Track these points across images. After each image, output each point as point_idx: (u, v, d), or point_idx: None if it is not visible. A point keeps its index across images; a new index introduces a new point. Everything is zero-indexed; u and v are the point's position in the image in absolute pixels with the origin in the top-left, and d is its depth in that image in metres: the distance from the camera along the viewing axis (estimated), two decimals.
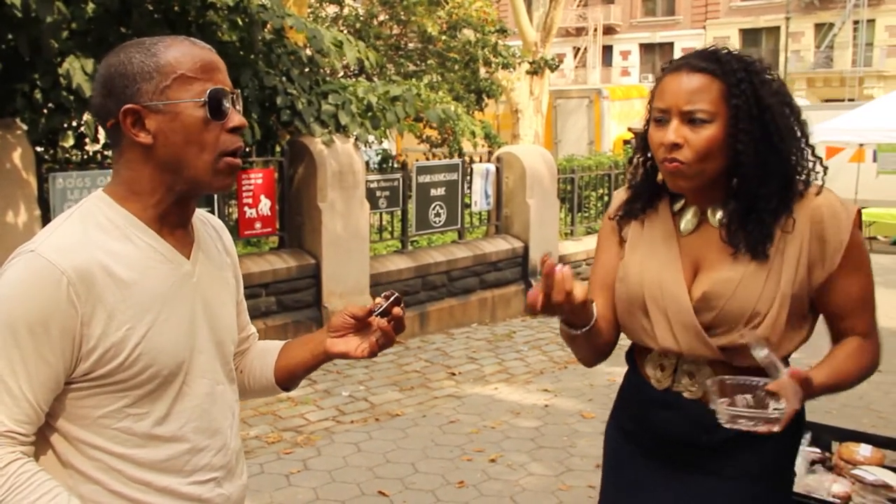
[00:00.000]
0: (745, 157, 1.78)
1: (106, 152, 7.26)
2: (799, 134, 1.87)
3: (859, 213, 1.93)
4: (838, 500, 2.42)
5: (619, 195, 2.08)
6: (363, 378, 6.50)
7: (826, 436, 2.85)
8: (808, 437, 2.74)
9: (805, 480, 2.52)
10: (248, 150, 7.09)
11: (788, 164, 1.83)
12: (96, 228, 1.42)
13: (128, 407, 1.42)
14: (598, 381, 6.28)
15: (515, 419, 5.61)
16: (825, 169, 1.88)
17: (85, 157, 7.10)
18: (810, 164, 1.87)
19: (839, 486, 2.53)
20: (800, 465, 2.59)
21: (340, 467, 4.80)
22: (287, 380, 1.75)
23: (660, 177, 1.95)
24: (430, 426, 5.48)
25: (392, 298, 1.62)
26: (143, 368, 1.41)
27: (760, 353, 1.68)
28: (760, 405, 1.68)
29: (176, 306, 1.47)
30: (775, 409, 1.65)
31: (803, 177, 1.85)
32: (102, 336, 1.37)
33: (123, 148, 1.45)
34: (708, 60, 1.82)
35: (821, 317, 1.92)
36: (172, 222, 1.50)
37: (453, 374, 6.59)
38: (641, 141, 1.98)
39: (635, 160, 2.03)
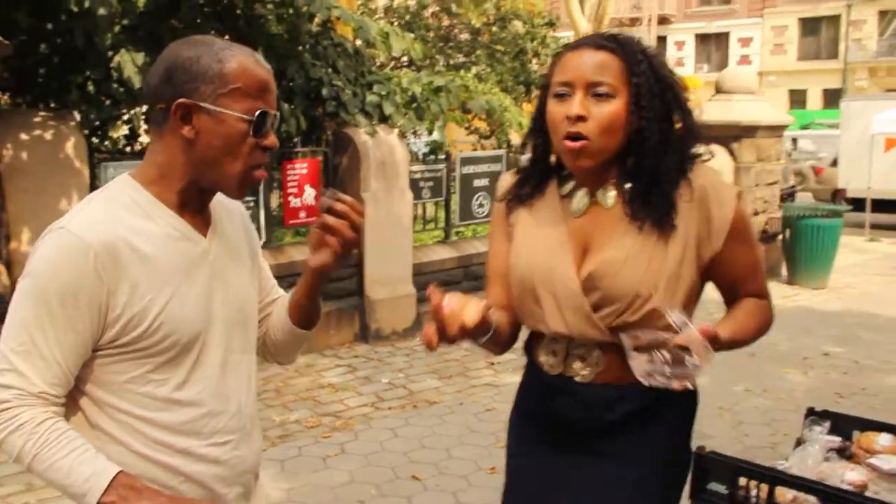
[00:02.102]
0: (649, 132, 1.81)
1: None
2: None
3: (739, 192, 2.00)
4: (851, 487, 2.43)
5: (507, 179, 2.08)
6: (403, 366, 6.59)
7: (847, 425, 2.85)
8: (826, 425, 2.75)
9: (819, 468, 2.54)
10: (293, 140, 7.22)
11: (685, 141, 1.88)
12: (121, 208, 1.53)
13: (150, 373, 1.54)
14: None
15: None
16: (710, 151, 1.96)
17: (136, 147, 7.29)
18: (696, 144, 1.93)
19: (855, 475, 2.53)
20: (816, 452, 2.61)
21: (377, 451, 4.90)
22: (298, 316, 1.80)
23: (553, 158, 1.97)
24: (466, 413, 5.55)
25: (327, 193, 1.63)
26: (163, 337, 1.52)
27: (675, 318, 1.71)
28: (675, 362, 1.71)
29: (193, 280, 1.57)
30: (690, 362, 1.69)
31: (693, 154, 1.91)
32: (126, 306, 1.49)
33: (165, 132, 1.55)
34: (608, 40, 1.85)
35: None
36: (192, 206, 1.61)
37: (492, 364, 6.65)
38: (535, 122, 1.97)
39: (528, 143, 2.02)
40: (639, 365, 1.73)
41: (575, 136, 1.81)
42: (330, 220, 1.61)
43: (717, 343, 1.73)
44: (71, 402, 1.54)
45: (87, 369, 1.53)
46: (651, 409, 1.93)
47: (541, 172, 2.00)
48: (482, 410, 5.60)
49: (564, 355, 1.94)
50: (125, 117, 6.98)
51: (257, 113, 1.52)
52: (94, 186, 5.82)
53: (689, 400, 2.05)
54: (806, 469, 2.52)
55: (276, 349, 1.88)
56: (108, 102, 6.31)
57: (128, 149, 7.28)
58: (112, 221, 1.50)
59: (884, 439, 2.73)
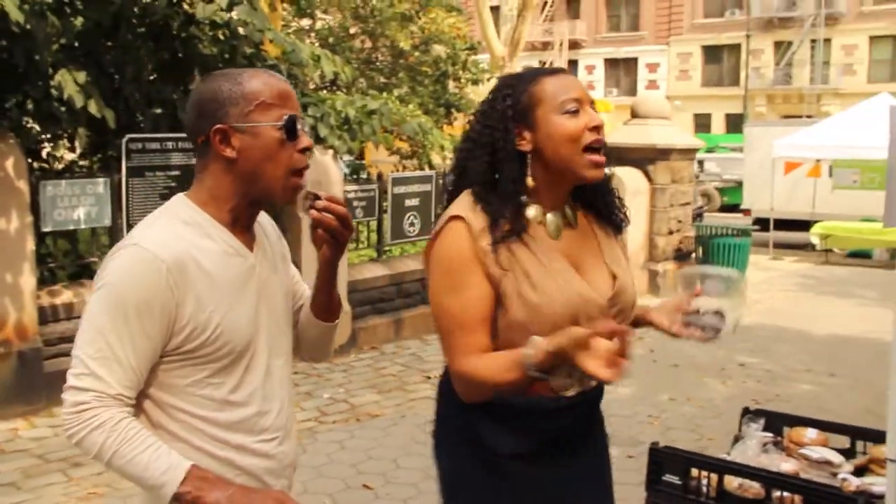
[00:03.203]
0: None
1: (83, 162, 7.45)
2: None
3: None
4: (788, 474, 2.73)
5: (475, 218, 1.90)
6: (342, 381, 6.74)
7: (778, 422, 3.17)
8: (761, 422, 3.05)
9: (759, 459, 2.83)
10: None
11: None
12: (183, 226, 1.70)
13: (208, 377, 1.71)
14: None
15: None
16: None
17: (76, 166, 7.28)
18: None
19: (788, 465, 2.84)
20: (754, 446, 2.91)
21: (325, 463, 5.05)
22: (318, 309, 1.96)
23: (531, 182, 1.94)
24: (409, 425, 5.74)
25: (303, 194, 1.75)
26: (222, 345, 1.69)
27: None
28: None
29: (245, 293, 1.75)
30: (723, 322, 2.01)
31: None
32: (192, 316, 1.65)
33: (209, 160, 1.72)
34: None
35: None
36: (242, 223, 1.77)
37: (429, 378, 6.85)
38: (508, 151, 1.93)
39: (492, 172, 1.95)
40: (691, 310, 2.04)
41: (598, 147, 1.91)
42: (314, 214, 1.75)
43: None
44: (135, 403, 1.69)
45: (152, 374, 1.68)
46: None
47: (515, 203, 1.93)
48: (423, 422, 5.79)
49: (581, 373, 1.81)
50: (67, 135, 6.96)
51: (286, 118, 1.69)
52: (34, 205, 5.82)
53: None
54: (747, 461, 2.81)
55: (309, 346, 2.04)
56: (48, 121, 6.30)
57: (66, 167, 7.26)
58: (178, 239, 1.66)
59: (810, 433, 3.05)
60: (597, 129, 1.91)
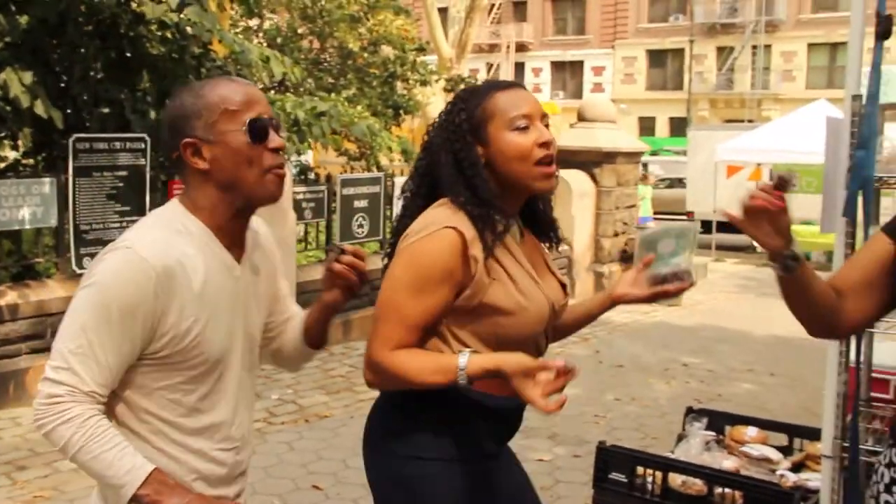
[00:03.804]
0: None
1: (27, 161, 7.35)
2: None
3: None
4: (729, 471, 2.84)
5: (466, 229, 1.91)
6: (291, 382, 6.74)
7: (720, 421, 3.28)
8: (704, 421, 3.16)
9: (702, 457, 2.93)
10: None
11: None
12: (176, 234, 1.72)
13: (181, 383, 1.74)
14: None
15: None
16: None
17: (20, 165, 7.17)
18: None
19: (729, 462, 2.95)
20: (697, 444, 3.01)
21: (275, 464, 5.06)
22: (311, 339, 2.05)
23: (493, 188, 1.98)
24: (358, 426, 5.70)
25: (333, 248, 1.86)
26: (198, 353, 1.73)
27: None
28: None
29: (226, 305, 1.78)
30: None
31: None
32: (173, 325, 1.68)
33: (188, 174, 1.76)
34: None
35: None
36: (231, 233, 1.80)
37: None
38: (472, 166, 1.96)
39: (468, 187, 1.96)
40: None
41: (549, 161, 1.95)
42: (337, 267, 1.87)
43: None
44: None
45: (125, 373, 1.71)
46: None
47: (496, 211, 1.95)
48: None
49: None
50: (12, 135, 6.86)
51: (248, 121, 1.71)
52: None
53: None
54: (690, 459, 2.91)
55: (287, 361, 2.12)
56: None
57: (8, 166, 7.14)
58: (170, 247, 1.69)
59: (751, 431, 3.17)
60: (546, 144, 1.94)
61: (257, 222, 1.94)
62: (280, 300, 2.06)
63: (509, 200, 2.01)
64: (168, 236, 1.71)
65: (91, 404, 1.65)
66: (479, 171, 1.96)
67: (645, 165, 22.30)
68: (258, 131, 1.72)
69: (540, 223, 2.14)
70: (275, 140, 1.75)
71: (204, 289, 1.72)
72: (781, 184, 1.72)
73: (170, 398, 1.74)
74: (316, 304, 2.00)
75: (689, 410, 3.31)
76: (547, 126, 1.99)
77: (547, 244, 2.16)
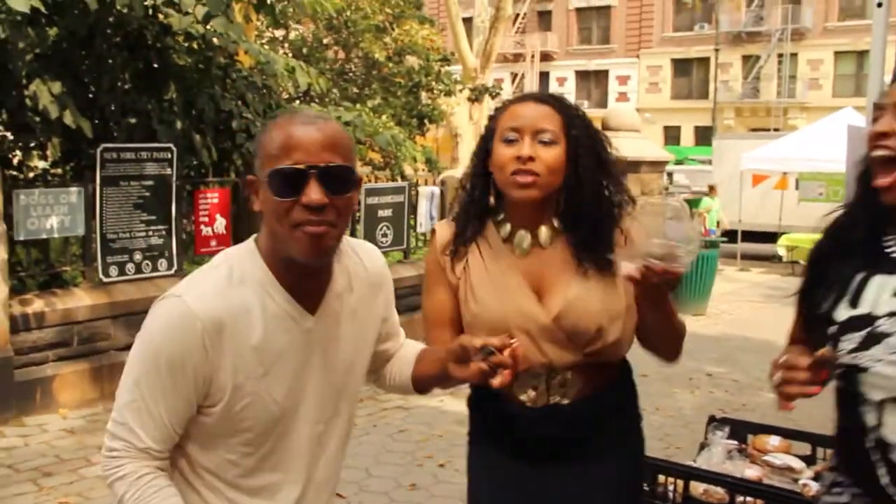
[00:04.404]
0: (586, 180, 2.03)
1: (55, 170, 7.43)
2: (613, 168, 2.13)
3: None
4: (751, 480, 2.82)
5: (444, 230, 2.14)
6: None
7: (743, 430, 3.27)
8: (727, 430, 3.15)
9: (724, 466, 2.92)
10: (204, 171, 7.36)
11: (614, 189, 2.09)
12: (238, 282, 1.59)
13: (238, 443, 1.64)
14: None
15: (461, 428, 5.87)
16: (632, 199, 2.11)
17: (48, 175, 7.26)
18: (623, 194, 2.11)
19: (752, 471, 2.93)
20: (719, 453, 3.00)
21: None
22: (421, 388, 1.97)
23: (491, 200, 2.11)
24: (380, 435, 5.79)
25: (488, 350, 1.65)
26: (253, 412, 1.61)
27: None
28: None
29: (290, 361, 1.63)
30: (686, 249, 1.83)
31: (620, 201, 2.09)
32: (225, 379, 1.57)
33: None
34: (549, 97, 2.09)
35: None
36: (296, 281, 1.63)
37: None
38: (477, 165, 2.10)
39: (466, 189, 2.12)
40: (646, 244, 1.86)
41: (525, 173, 2.00)
42: (483, 367, 1.65)
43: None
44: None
45: (186, 426, 1.64)
46: (619, 411, 2.18)
47: (479, 214, 2.10)
48: (396, 432, 5.85)
49: (546, 387, 2.05)
50: (41, 145, 6.96)
51: (269, 172, 1.53)
52: (7, 215, 5.80)
53: (637, 413, 2.28)
54: (712, 467, 2.90)
55: (388, 387, 2.04)
56: (22, 130, 6.30)
57: (37, 176, 7.24)
58: (225, 297, 1.56)
59: (773, 440, 3.15)
60: (520, 159, 1.99)
61: (368, 255, 1.83)
62: (388, 337, 1.96)
63: (518, 209, 2.07)
64: (225, 286, 1.58)
65: (146, 461, 1.60)
66: (477, 177, 2.12)
67: (670, 175, 22.28)
68: (280, 184, 1.53)
69: (586, 236, 2.07)
70: (309, 194, 1.52)
71: (262, 344, 1.59)
72: (822, 363, 1.67)
73: (227, 457, 1.65)
74: (439, 361, 1.79)
75: (712, 419, 3.29)
76: (544, 142, 2.01)
77: (586, 262, 2.06)
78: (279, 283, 1.61)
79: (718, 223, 15.02)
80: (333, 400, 1.74)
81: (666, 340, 2.15)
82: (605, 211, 2.08)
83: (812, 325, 1.87)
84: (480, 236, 2.10)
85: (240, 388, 1.58)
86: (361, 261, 1.80)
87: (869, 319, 1.71)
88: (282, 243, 1.56)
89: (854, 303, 1.75)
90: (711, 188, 15.69)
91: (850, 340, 1.72)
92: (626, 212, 2.10)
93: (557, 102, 2.09)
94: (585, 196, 2.04)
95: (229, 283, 1.59)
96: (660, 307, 1.99)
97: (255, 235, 1.67)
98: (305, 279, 1.63)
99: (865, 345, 1.70)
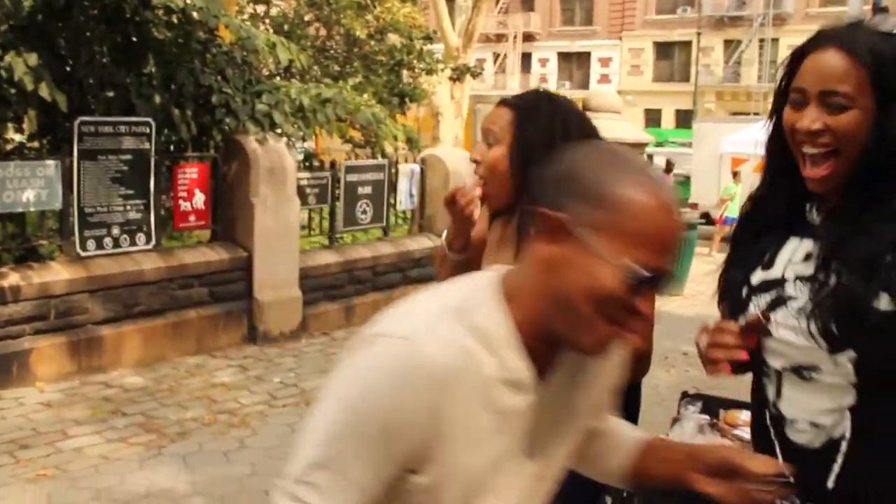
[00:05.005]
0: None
1: (32, 144, 7.35)
2: None
3: None
4: None
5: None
6: (292, 366, 6.79)
7: (714, 405, 3.31)
8: (699, 405, 3.19)
9: (695, 439, 2.96)
10: (182, 145, 7.32)
11: None
12: (472, 334, 1.24)
13: None
14: None
15: None
16: None
17: (24, 148, 7.19)
18: None
19: None
20: (691, 427, 3.04)
21: (276, 445, 5.11)
22: (637, 483, 1.61)
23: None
24: None
25: (779, 479, 1.40)
26: (452, 486, 1.31)
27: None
28: None
29: (501, 435, 1.30)
30: None
31: None
32: (444, 449, 1.24)
33: (533, 242, 1.26)
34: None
35: None
36: (540, 347, 1.29)
37: None
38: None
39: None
40: None
41: (477, 172, 2.17)
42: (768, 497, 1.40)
43: None
44: None
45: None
46: None
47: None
48: None
49: None
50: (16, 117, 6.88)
51: (633, 272, 1.18)
52: None
53: None
54: (684, 441, 2.93)
55: (595, 473, 1.65)
56: None
57: (13, 149, 7.17)
58: (462, 349, 1.22)
59: (744, 415, 3.20)
60: (475, 162, 2.12)
61: None
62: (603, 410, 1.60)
63: None
64: (462, 333, 1.23)
65: None
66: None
67: (650, 157, 22.36)
68: (636, 283, 1.18)
69: None
70: (641, 302, 1.22)
71: (479, 413, 1.26)
72: (751, 328, 1.62)
73: None
74: (676, 465, 1.50)
75: (684, 395, 3.34)
76: (490, 144, 2.11)
77: None
78: (521, 345, 1.27)
79: None
80: (537, 485, 1.42)
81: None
82: None
83: (728, 294, 1.77)
84: None
85: (452, 459, 1.25)
86: None
87: (778, 282, 1.63)
88: (569, 324, 1.23)
89: (768, 266, 1.67)
90: (735, 174, 15.66)
91: (759, 305, 1.65)
92: None
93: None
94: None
95: (464, 330, 1.24)
96: None
97: (497, 272, 1.32)
98: (548, 347, 1.30)
99: (772, 307, 1.62)
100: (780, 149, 1.69)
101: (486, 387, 1.25)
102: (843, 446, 1.57)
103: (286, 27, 14.20)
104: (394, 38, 14.27)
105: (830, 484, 1.58)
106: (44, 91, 5.84)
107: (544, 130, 2.06)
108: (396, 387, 1.19)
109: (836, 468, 1.58)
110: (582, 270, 1.19)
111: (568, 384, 1.36)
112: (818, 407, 1.59)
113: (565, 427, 1.41)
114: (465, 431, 1.25)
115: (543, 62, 42.11)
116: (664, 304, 9.84)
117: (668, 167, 16.45)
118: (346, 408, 1.21)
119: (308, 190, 8.09)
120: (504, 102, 2.15)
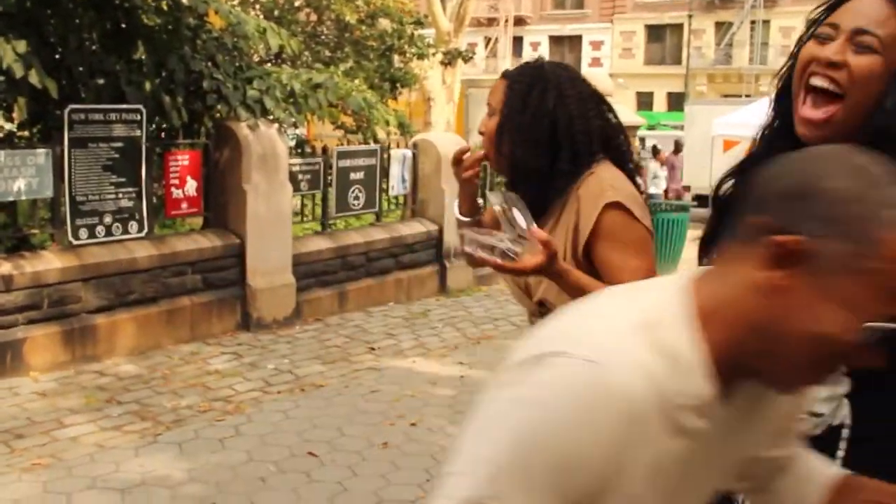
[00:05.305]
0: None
1: (22, 132, 7.32)
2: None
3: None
4: None
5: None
6: (286, 353, 6.79)
7: None
8: None
9: None
10: (174, 132, 7.29)
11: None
12: (661, 355, 1.06)
13: None
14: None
15: (433, 388, 6.01)
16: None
17: (14, 137, 7.16)
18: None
19: None
20: None
21: (271, 432, 5.11)
22: None
23: None
24: (353, 395, 5.83)
25: None
26: None
27: (496, 204, 1.98)
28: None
29: (684, 463, 1.11)
30: (507, 242, 1.86)
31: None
32: (614, 483, 1.05)
33: (747, 261, 1.06)
34: None
35: None
36: (728, 373, 1.10)
37: (372, 349, 6.94)
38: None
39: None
40: (467, 237, 1.94)
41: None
42: None
43: (551, 254, 1.90)
44: None
45: None
46: None
47: None
48: (367, 392, 5.89)
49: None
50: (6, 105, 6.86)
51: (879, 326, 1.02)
52: None
53: None
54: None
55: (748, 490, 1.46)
56: None
57: (2, 138, 7.13)
58: (651, 375, 1.04)
59: None
60: (481, 133, 2.24)
61: None
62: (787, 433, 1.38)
63: None
64: (650, 355, 1.05)
65: None
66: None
67: (642, 140, 22.36)
68: (878, 343, 1.03)
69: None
70: (876, 355, 1.05)
71: (663, 446, 1.08)
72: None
73: None
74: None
75: None
76: (490, 115, 2.24)
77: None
78: (711, 370, 1.08)
79: None
80: None
81: None
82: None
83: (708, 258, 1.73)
84: None
85: (630, 491, 1.07)
86: None
87: None
88: (774, 363, 1.07)
89: None
90: (657, 151, 15.75)
91: None
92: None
93: None
94: None
95: (653, 350, 1.06)
96: (558, 283, 2.02)
97: (685, 280, 1.13)
98: (739, 375, 1.12)
99: None
100: (787, 101, 1.72)
101: (672, 413, 1.07)
102: (845, 433, 1.58)
103: (276, 13, 14.12)
104: (384, 23, 14.20)
105: None
106: (34, 78, 5.81)
107: (520, 99, 2.16)
108: (581, 419, 1.01)
109: (841, 454, 1.57)
110: (812, 312, 1.01)
111: (749, 409, 1.18)
112: (814, 395, 1.55)
113: (736, 452, 1.23)
114: (649, 464, 1.07)
115: (535, 46, 41.95)
116: None
117: (655, 151, 16.45)
118: (517, 439, 1.03)
119: (300, 176, 8.07)
120: (503, 75, 2.28)
